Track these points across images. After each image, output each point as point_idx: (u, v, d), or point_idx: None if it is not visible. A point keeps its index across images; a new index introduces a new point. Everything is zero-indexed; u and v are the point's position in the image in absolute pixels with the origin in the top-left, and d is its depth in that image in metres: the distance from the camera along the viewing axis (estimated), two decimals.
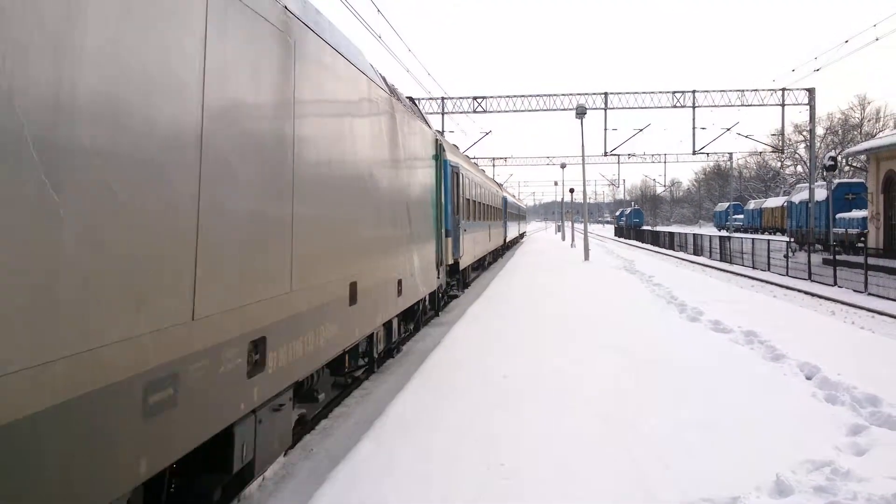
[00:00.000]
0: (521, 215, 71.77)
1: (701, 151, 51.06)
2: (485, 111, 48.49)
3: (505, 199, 42.58)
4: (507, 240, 45.99)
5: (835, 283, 25.49)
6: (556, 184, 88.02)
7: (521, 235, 75.35)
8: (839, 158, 40.81)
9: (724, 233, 66.67)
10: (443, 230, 15.40)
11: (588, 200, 43.51)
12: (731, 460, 6.12)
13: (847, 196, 42.91)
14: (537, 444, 6.61)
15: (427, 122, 14.97)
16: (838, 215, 40.24)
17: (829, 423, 7.28)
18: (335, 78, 7.20)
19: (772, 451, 6.29)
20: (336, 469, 6.08)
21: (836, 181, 43.36)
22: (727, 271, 33.90)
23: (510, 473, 5.88)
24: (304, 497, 5.76)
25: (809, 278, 27.91)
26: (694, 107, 46.72)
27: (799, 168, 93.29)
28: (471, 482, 5.70)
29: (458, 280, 20.98)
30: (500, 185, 47.23)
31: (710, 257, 42.96)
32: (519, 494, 5.50)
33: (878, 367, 9.79)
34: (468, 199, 21.76)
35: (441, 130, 42.06)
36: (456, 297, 20.67)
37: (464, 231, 19.92)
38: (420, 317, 14.14)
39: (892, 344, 12.41)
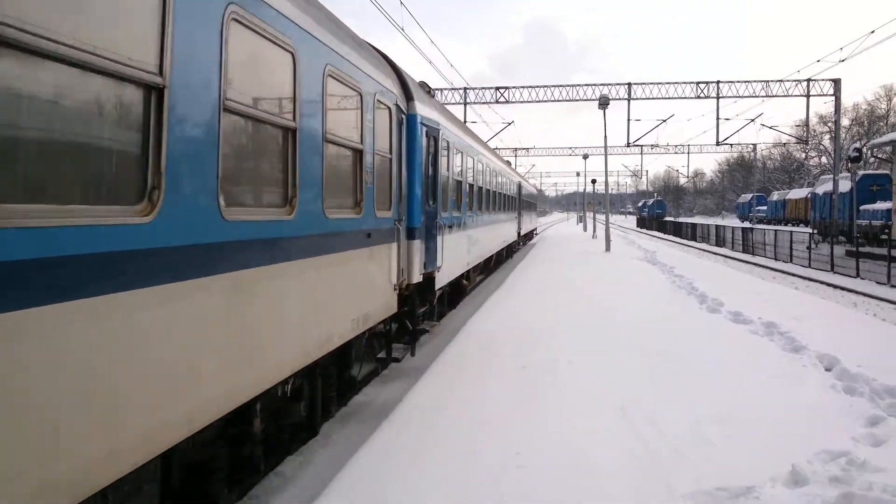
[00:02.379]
0: (529, 200, 43.89)
1: (725, 142, 50.74)
2: (507, 101, 48.49)
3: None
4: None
5: (857, 275, 25.30)
6: (578, 174, 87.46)
7: (528, 236, 47.37)
8: (864, 150, 40.25)
9: (746, 224, 66.10)
10: None
11: (610, 191, 42.84)
12: (746, 451, 6.18)
13: (871, 188, 42.40)
14: (554, 436, 6.72)
15: None
16: (862, 207, 39.79)
17: (846, 414, 7.30)
18: None
19: (788, 442, 6.33)
20: None
21: (861, 172, 42.82)
22: (749, 262, 33.70)
23: (525, 462, 6.00)
24: None
25: (832, 270, 27.69)
26: (718, 97, 46.38)
27: (823, 159, 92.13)
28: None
29: None
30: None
31: (733, 248, 42.72)
32: (538, 474, 5.62)
33: None
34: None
35: (464, 121, 41.71)
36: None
37: None
38: None
39: None
